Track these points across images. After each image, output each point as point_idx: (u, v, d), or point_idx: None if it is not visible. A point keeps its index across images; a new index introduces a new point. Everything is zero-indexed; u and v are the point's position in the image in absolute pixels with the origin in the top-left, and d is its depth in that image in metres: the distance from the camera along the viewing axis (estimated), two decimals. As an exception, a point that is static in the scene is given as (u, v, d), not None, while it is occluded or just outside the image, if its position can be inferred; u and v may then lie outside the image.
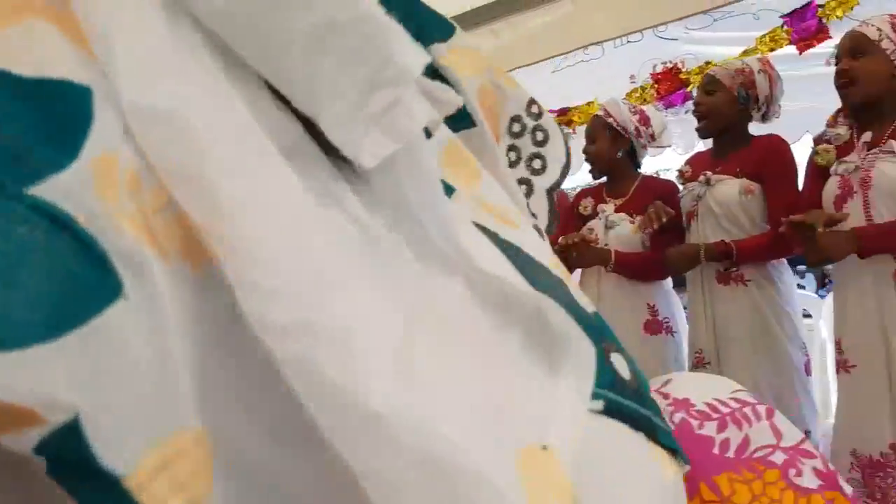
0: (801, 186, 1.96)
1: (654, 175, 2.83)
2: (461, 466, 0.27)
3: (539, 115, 0.66)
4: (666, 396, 0.56)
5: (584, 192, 2.50)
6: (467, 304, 0.36)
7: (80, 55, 0.30)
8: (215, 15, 0.32)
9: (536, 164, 0.66)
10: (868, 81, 1.72)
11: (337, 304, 0.28)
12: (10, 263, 0.25)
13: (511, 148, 0.66)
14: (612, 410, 0.36)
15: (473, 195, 0.47)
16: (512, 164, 0.65)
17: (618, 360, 0.40)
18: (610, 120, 2.29)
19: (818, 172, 1.86)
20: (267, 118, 0.33)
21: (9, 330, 0.24)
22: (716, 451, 0.52)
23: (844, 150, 1.80)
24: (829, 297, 2.48)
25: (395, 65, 0.33)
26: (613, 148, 2.31)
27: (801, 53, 2.65)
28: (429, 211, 0.37)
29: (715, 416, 0.55)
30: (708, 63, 2.75)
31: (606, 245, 2.25)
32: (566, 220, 2.40)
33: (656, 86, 2.92)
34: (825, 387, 2.74)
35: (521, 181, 0.65)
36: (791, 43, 2.67)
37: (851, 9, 2.59)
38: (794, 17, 2.67)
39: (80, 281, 0.26)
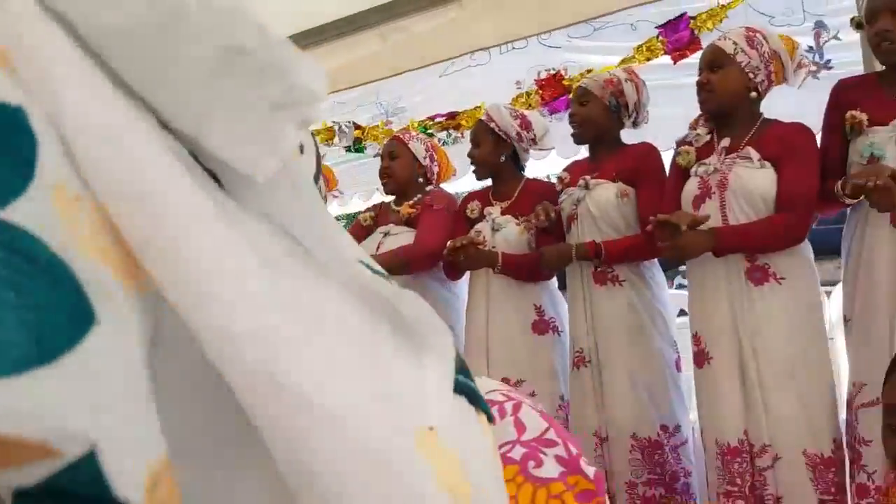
0: (670, 189, 2.06)
1: (542, 179, 2.91)
2: (393, 454, 0.30)
3: None
4: None
5: (472, 196, 2.55)
6: (346, 301, 0.38)
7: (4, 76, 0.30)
8: (103, 32, 0.31)
9: None
10: (722, 93, 1.84)
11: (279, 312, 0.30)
12: None
13: None
14: (459, 387, 0.40)
15: None
16: None
17: None
18: (492, 125, 2.34)
19: (680, 173, 1.97)
20: (158, 136, 0.33)
21: (2, 353, 0.22)
22: None
23: (705, 152, 1.91)
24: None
25: (300, 87, 0.34)
26: (496, 152, 2.36)
27: (675, 63, 2.78)
28: (307, 220, 0.39)
29: None
30: (589, 70, 2.85)
31: (494, 247, 2.29)
32: (455, 223, 2.43)
33: (541, 92, 3.00)
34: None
35: None
36: (666, 53, 2.81)
37: (721, 21, 2.75)
38: (668, 28, 2.80)
39: (59, 306, 0.26)
